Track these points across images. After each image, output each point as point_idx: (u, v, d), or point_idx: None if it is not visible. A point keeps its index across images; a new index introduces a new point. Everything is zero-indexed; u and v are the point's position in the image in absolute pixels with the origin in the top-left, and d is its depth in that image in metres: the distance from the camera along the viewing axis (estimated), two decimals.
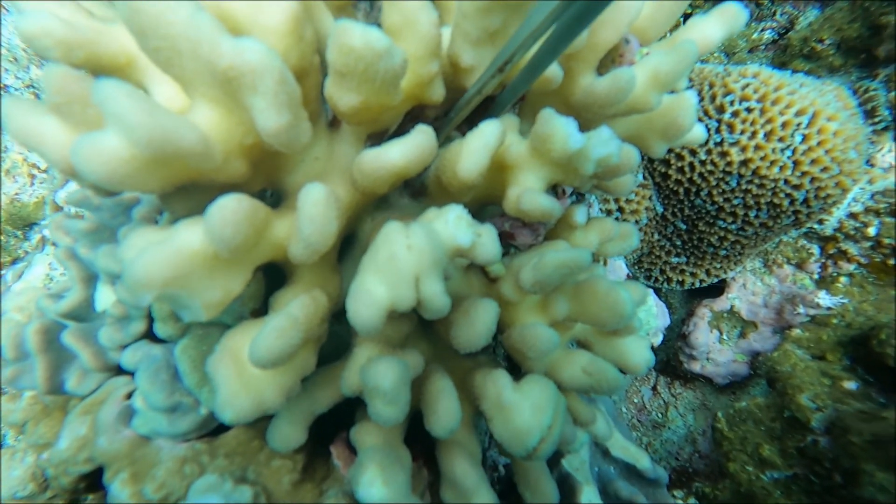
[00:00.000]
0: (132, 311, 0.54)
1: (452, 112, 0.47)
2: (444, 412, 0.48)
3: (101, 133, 0.33)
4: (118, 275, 0.50)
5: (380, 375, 0.41)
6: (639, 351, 0.64)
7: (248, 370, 0.42)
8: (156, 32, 0.34)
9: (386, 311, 0.40)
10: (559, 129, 0.44)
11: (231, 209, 0.37)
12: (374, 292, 0.40)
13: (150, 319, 0.55)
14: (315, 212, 0.39)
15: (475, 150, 0.44)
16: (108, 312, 0.55)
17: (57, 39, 0.38)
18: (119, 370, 0.59)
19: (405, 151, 0.41)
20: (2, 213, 1.22)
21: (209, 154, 0.38)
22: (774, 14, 1.04)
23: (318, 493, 0.51)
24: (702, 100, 0.91)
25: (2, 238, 1.24)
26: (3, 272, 1.21)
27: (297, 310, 0.42)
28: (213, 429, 0.54)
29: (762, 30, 1.06)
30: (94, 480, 0.56)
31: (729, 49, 1.08)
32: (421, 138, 0.42)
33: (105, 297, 0.57)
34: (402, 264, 0.40)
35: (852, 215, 0.96)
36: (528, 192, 0.48)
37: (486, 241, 0.45)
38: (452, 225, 0.44)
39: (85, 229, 0.58)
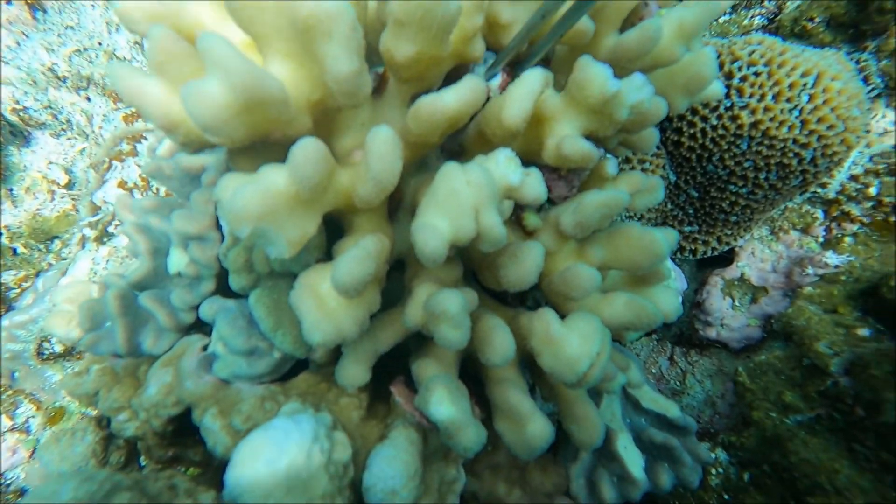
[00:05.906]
0: (203, 272, 0.58)
1: (502, 53, 0.51)
2: (500, 342, 0.52)
3: (204, 80, 0.38)
4: (192, 236, 0.54)
5: (446, 302, 0.45)
6: (669, 298, 0.67)
7: (326, 303, 0.46)
8: None
9: (449, 242, 0.44)
10: (598, 73, 0.48)
11: (312, 148, 0.41)
12: (437, 226, 0.44)
13: (218, 280, 0.59)
14: (384, 149, 0.43)
15: (520, 96, 0.48)
16: (181, 273, 0.59)
17: (147, 13, 0.43)
18: (188, 331, 0.62)
19: (459, 96, 0.45)
20: (24, 228, 1.27)
21: (286, 103, 0.43)
22: (763, 1, 1.11)
23: (383, 426, 0.54)
24: None
25: (25, 251, 1.27)
26: (31, 282, 1.26)
27: (369, 244, 0.46)
28: (282, 376, 0.58)
29: (752, 16, 1.13)
30: (179, 426, 0.60)
31: (722, 34, 1.14)
32: (473, 82, 0.46)
33: (177, 260, 0.61)
34: (462, 198, 0.44)
35: (853, 177, 1.01)
36: (568, 138, 0.52)
37: (533, 180, 0.49)
38: (503, 165, 0.48)
39: (147, 206, 0.62)
